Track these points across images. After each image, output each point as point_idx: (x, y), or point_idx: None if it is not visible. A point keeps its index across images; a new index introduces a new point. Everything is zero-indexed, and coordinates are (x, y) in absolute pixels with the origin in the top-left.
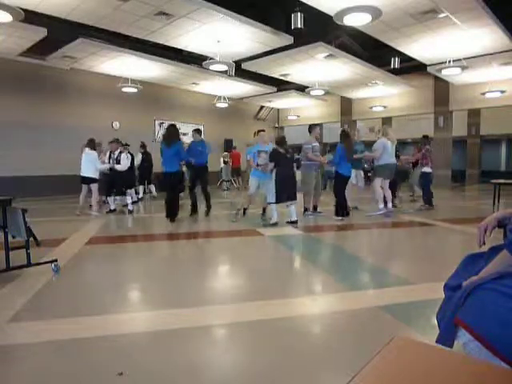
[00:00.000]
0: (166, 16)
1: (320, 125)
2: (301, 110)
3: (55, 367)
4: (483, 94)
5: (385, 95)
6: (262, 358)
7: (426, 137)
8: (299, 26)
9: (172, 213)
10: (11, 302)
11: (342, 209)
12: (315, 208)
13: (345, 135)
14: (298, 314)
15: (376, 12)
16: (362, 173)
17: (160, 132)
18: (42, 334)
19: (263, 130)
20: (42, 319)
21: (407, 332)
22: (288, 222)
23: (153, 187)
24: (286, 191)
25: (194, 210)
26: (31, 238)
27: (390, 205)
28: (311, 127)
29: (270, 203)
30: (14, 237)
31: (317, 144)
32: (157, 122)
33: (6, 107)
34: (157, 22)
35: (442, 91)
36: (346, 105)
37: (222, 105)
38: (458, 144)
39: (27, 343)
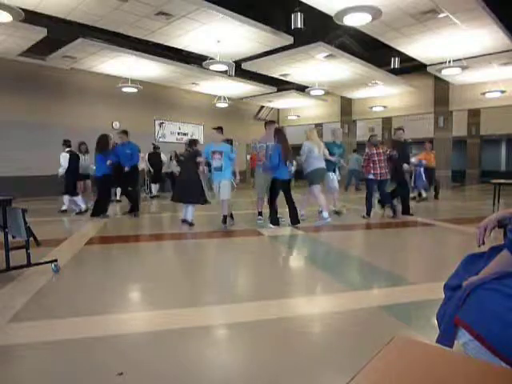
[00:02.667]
0: (165, 16)
1: (320, 125)
2: (301, 109)
3: (55, 367)
4: (483, 93)
5: (385, 95)
6: (262, 358)
7: (371, 137)
8: (299, 25)
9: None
10: (11, 302)
11: (274, 216)
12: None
13: (278, 133)
14: (298, 314)
15: (376, 12)
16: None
17: (160, 132)
18: (42, 334)
19: (220, 128)
20: (42, 319)
21: (407, 332)
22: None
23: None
24: (179, 192)
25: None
26: (31, 238)
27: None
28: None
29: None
30: (14, 237)
31: (263, 144)
32: (157, 122)
33: (6, 107)
34: (157, 22)
35: (442, 91)
36: (346, 105)
37: (222, 105)
38: (457, 144)
39: (27, 343)
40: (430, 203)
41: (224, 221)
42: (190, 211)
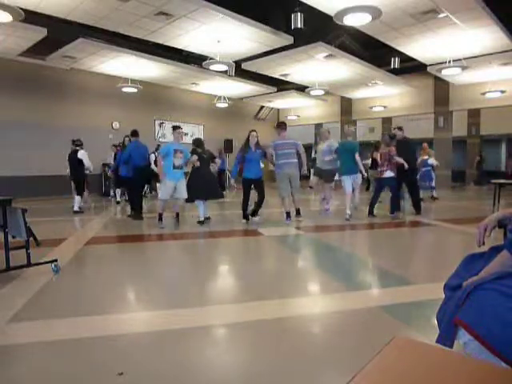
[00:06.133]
0: (166, 16)
1: (320, 124)
2: (301, 109)
3: (55, 367)
4: (483, 94)
5: (385, 95)
6: (262, 358)
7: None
8: (299, 26)
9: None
10: (11, 302)
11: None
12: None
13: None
14: (298, 314)
15: (376, 12)
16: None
17: (160, 132)
18: (42, 334)
19: (179, 127)
20: (42, 319)
21: (407, 332)
22: (198, 222)
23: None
24: (199, 190)
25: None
26: (31, 238)
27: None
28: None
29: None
30: (14, 237)
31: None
32: (157, 122)
33: (6, 107)
34: (157, 22)
35: (442, 91)
36: (346, 105)
37: (222, 105)
38: (457, 144)
39: (27, 343)
40: (427, 204)
41: (177, 219)
42: (203, 208)
